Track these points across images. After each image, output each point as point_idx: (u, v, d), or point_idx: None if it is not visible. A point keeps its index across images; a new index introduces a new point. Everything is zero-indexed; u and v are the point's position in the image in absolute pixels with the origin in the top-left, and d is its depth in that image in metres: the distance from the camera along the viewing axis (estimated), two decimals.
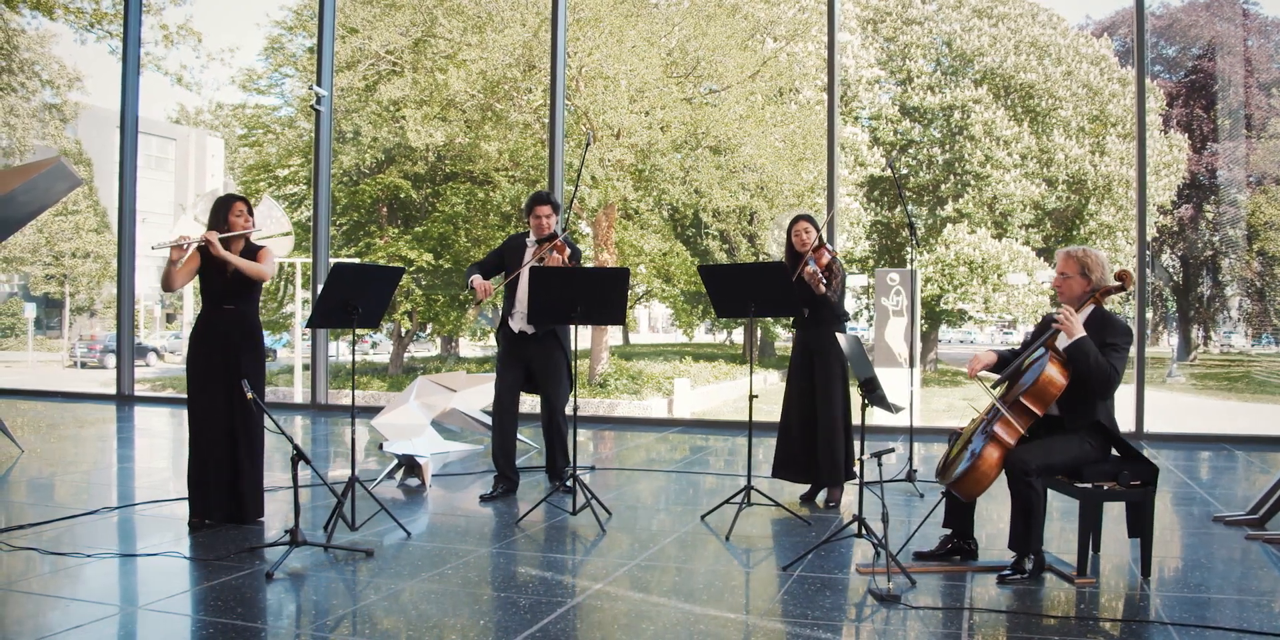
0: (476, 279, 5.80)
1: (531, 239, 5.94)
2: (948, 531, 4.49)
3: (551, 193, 6.15)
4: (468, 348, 29.91)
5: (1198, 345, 29.70)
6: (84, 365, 30.94)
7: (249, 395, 4.46)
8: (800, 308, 5.46)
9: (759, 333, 27.99)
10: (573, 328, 5.76)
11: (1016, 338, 44.74)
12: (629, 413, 19.57)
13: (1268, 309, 27.53)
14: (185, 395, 5.10)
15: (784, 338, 29.78)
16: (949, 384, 25.19)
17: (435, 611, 3.69)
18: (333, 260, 10.85)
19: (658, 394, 21.77)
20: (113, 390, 11.98)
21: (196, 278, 5.13)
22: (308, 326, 5.22)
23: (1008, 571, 4.14)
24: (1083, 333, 4.12)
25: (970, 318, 26.03)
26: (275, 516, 5.32)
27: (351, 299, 4.95)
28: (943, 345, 32.44)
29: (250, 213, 5.13)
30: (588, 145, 6.76)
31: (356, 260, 20.95)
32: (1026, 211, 25.28)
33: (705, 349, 32.55)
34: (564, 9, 10.24)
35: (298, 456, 4.33)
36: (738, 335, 34.19)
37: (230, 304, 5.05)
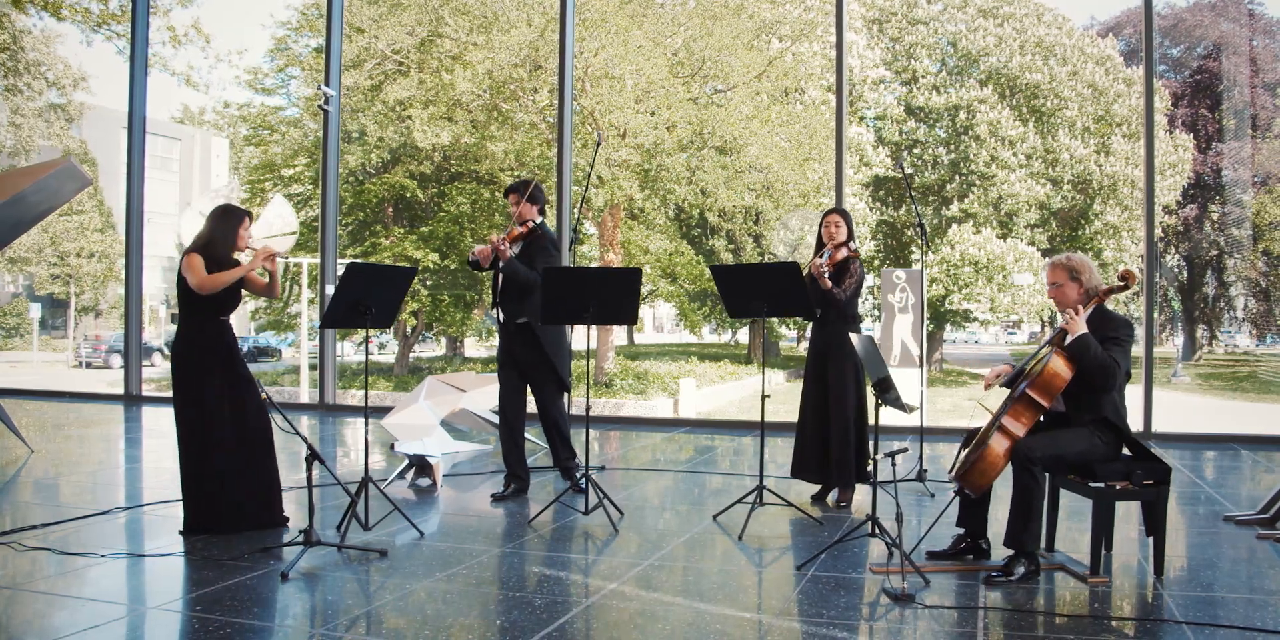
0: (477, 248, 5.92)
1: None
2: (960, 531, 4.50)
3: (530, 182, 5.97)
4: (473, 348, 29.90)
5: (1202, 345, 29.66)
6: (89, 365, 30.98)
7: (263, 395, 4.48)
8: (812, 308, 5.43)
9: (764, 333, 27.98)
10: (580, 330, 5.75)
11: (1020, 337, 44.81)
12: (635, 413, 19.57)
13: (1272, 309, 27.49)
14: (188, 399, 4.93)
15: (789, 338, 29.73)
16: (954, 384, 25.18)
17: (449, 611, 3.69)
18: (340, 261, 10.86)
19: (663, 394, 21.75)
20: (119, 390, 12.00)
21: (176, 288, 5.04)
22: (321, 327, 5.22)
23: (996, 573, 4.11)
24: (1084, 330, 4.18)
25: (974, 318, 26.01)
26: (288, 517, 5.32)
27: (365, 299, 4.94)
28: (948, 346, 32.41)
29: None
30: (598, 146, 6.75)
31: (362, 261, 20.93)
32: (1032, 211, 25.26)
33: (711, 349, 32.51)
34: (571, 9, 10.22)
35: (312, 457, 4.34)
36: (742, 335, 34.13)
37: (225, 315, 5.02)
